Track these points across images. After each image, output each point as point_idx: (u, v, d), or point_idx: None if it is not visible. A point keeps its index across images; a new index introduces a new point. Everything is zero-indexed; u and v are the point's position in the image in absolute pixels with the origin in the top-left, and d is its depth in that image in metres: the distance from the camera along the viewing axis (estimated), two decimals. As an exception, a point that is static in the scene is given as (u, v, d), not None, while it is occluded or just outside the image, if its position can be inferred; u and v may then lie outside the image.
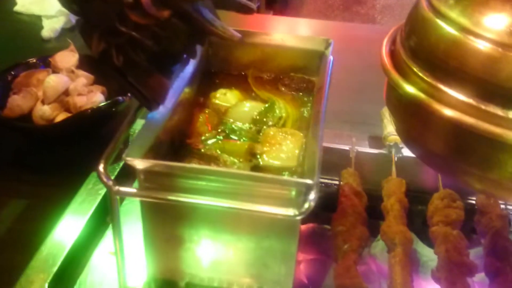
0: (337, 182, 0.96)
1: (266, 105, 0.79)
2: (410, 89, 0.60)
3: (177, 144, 0.72)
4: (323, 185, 1.03)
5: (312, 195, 0.58)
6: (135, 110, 0.68)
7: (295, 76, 0.87)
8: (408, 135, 0.67)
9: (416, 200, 0.93)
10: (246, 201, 0.58)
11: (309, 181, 0.57)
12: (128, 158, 0.58)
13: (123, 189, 0.60)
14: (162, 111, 0.68)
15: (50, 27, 1.49)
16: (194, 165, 0.59)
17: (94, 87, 1.07)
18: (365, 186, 0.94)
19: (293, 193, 0.59)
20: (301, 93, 0.85)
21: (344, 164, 0.97)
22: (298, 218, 0.58)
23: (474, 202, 0.93)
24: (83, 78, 1.08)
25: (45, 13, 1.54)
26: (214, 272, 0.70)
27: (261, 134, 0.75)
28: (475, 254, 0.89)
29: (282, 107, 0.80)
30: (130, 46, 0.63)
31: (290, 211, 0.57)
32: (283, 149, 0.72)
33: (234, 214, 0.63)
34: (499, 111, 0.53)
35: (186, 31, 0.63)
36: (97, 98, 1.02)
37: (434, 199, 0.86)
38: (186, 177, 0.60)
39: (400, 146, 0.99)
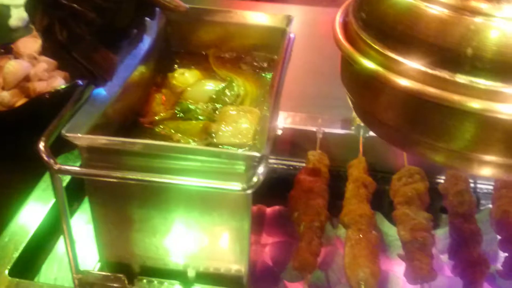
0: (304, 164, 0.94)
1: (224, 84, 0.77)
2: (362, 60, 0.57)
3: (129, 124, 0.70)
4: (291, 167, 1.02)
5: (261, 169, 0.56)
6: (82, 88, 0.66)
7: (257, 55, 0.85)
8: (363, 109, 0.65)
9: (383, 180, 0.92)
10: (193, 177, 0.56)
11: (256, 154, 0.55)
12: (68, 134, 0.56)
13: (65, 167, 0.57)
14: (111, 88, 0.65)
15: (18, 16, 1.46)
16: (136, 140, 0.57)
17: (56, 73, 1.04)
18: (332, 167, 0.92)
19: (242, 167, 0.57)
20: (263, 72, 0.83)
21: (312, 146, 0.95)
22: (248, 192, 0.56)
23: (443, 181, 0.92)
24: (45, 63, 1.05)
25: (13, 2, 1.51)
26: (168, 254, 0.67)
27: (217, 112, 0.73)
28: (444, 234, 0.88)
29: (241, 85, 0.77)
30: (73, 19, 0.60)
31: (238, 186, 0.55)
32: (239, 127, 0.70)
33: (183, 191, 0.60)
34: (450, 76, 0.51)
35: (130, 2, 0.60)
36: (57, 83, 0.99)
37: (395, 179, 0.85)
38: (129, 153, 0.58)
39: (368, 126, 0.97)
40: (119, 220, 0.64)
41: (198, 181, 0.56)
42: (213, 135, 0.69)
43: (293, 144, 1.00)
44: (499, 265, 0.86)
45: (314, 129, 0.97)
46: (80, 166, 0.60)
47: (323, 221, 0.78)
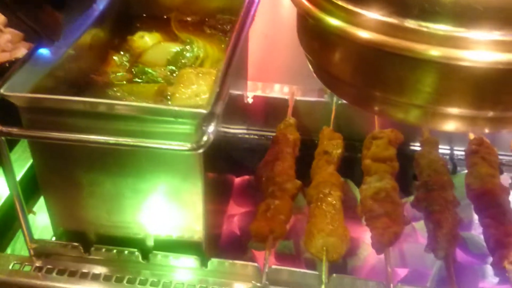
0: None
1: (183, 46, 0.74)
2: (320, 15, 0.54)
3: (82, 85, 0.67)
4: (263, 137, 0.99)
5: (211, 128, 0.53)
6: (31, 49, 0.63)
7: (221, 18, 0.82)
8: (323, 68, 0.62)
9: (355, 147, 0.89)
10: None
11: (202, 111, 0.52)
12: (5, 93, 0.53)
13: (6, 129, 0.54)
14: (59, 48, 0.62)
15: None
16: (75, 98, 0.54)
17: (21, 44, 1.01)
18: (304, 136, 0.90)
19: (190, 126, 0.54)
20: (226, 35, 0.79)
21: (284, 115, 0.92)
22: (198, 151, 0.53)
23: (416, 148, 0.89)
24: (9, 35, 1.01)
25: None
26: (122, 221, 0.65)
27: (175, 75, 0.70)
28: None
29: (201, 47, 0.74)
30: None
31: (187, 145, 0.53)
32: (197, 88, 0.67)
33: (131, 154, 0.58)
34: (409, 24, 0.48)
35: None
36: (20, 53, 0.96)
37: (365, 144, 0.82)
38: (72, 113, 0.55)
39: (342, 94, 0.94)
40: (67, 185, 0.62)
41: (144, 142, 0.53)
42: (169, 97, 0.66)
43: (265, 113, 0.97)
44: (474, 232, 0.85)
45: (286, 97, 0.95)
46: (20, 128, 0.57)
47: (290, 189, 0.75)
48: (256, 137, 0.99)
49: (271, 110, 0.96)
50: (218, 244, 0.79)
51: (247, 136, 0.99)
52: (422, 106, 0.52)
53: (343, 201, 0.89)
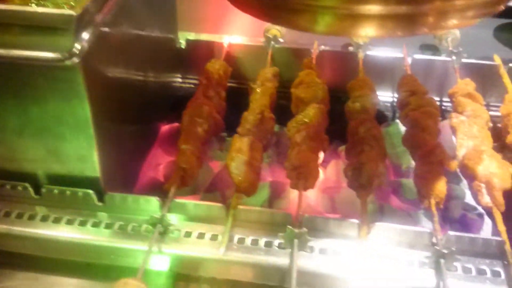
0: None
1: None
2: None
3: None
4: (192, 86, 0.94)
5: (86, 34, 0.48)
6: None
7: None
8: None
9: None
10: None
11: (72, 13, 0.47)
12: None
13: None
14: None
15: None
16: None
17: None
18: (235, 79, 0.85)
19: (62, 33, 0.49)
20: None
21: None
22: (72, 61, 0.48)
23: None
24: None
25: None
26: (13, 152, 0.60)
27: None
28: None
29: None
30: None
31: (58, 54, 0.48)
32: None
33: (9, 72, 0.52)
34: None
35: None
36: None
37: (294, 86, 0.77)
38: None
39: (280, 39, 0.89)
40: None
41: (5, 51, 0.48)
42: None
43: (200, 59, 0.91)
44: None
45: (221, 41, 0.89)
46: None
47: (208, 130, 0.70)
48: (192, 86, 0.94)
49: (204, 55, 0.90)
50: (133, 188, 0.74)
51: (181, 84, 0.94)
52: (334, 8, 0.47)
53: (277, 146, 0.86)
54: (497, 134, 0.77)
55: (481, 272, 0.55)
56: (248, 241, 0.58)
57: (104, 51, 0.55)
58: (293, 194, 0.77)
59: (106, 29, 0.54)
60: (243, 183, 0.60)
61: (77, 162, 0.60)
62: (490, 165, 0.60)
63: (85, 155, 0.59)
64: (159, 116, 0.86)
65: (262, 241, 0.58)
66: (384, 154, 0.68)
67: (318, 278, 0.56)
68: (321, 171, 0.81)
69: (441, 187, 0.59)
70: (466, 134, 0.67)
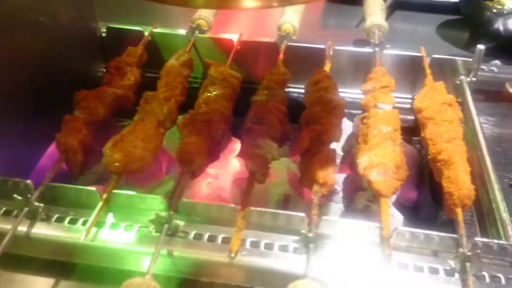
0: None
1: None
2: None
3: None
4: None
5: None
6: None
7: None
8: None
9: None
10: None
11: None
12: None
13: None
14: None
15: None
16: None
17: None
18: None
19: None
20: None
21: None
22: None
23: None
24: None
25: None
26: None
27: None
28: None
29: None
30: None
31: None
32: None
33: None
34: None
35: None
36: None
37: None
38: None
39: (204, 28, 0.87)
40: None
41: None
42: None
43: (122, 48, 0.89)
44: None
45: (141, 29, 0.87)
46: None
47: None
48: (115, 75, 0.92)
49: (128, 46, 0.88)
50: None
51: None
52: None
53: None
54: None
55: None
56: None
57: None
58: (198, 185, 0.74)
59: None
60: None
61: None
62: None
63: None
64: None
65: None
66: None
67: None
68: (237, 161, 0.81)
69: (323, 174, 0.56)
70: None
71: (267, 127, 0.63)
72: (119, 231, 0.54)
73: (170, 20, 1.00)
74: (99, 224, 0.55)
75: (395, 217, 0.69)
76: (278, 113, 0.65)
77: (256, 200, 0.75)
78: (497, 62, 0.98)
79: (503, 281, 0.50)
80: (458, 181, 0.53)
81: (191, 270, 0.53)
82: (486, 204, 0.61)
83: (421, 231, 0.51)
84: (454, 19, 1.15)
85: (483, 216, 0.62)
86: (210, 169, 0.81)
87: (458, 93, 0.80)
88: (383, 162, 0.55)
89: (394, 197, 0.75)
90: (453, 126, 0.61)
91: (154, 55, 0.87)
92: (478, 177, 0.64)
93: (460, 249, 0.49)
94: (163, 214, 0.52)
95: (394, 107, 0.69)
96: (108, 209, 0.56)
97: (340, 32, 0.85)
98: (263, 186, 0.72)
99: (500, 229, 0.56)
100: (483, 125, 0.74)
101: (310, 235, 0.50)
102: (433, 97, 0.68)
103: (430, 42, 1.09)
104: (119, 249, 0.53)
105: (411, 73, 0.83)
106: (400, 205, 0.76)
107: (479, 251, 0.47)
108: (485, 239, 0.51)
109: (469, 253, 0.47)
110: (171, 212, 0.52)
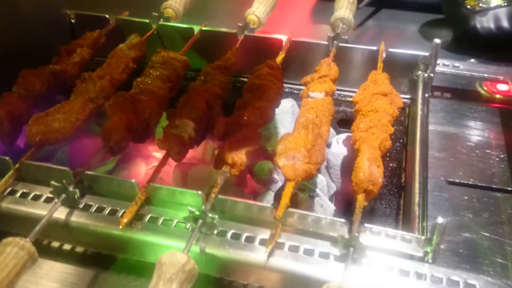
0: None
1: None
2: None
3: None
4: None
5: None
6: None
7: None
8: None
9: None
10: None
11: None
12: None
13: None
14: None
15: None
16: None
17: None
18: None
19: None
20: None
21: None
22: None
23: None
24: None
25: None
26: None
27: None
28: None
29: None
30: None
31: None
32: None
33: None
34: None
35: None
36: None
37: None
38: None
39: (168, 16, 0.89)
40: None
41: None
42: None
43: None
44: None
45: (106, 15, 0.89)
46: None
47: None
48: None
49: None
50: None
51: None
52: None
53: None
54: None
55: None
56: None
57: None
58: (137, 166, 0.75)
59: None
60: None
61: None
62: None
63: None
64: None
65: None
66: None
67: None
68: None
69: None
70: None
71: (190, 109, 0.63)
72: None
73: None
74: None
75: (326, 208, 0.68)
76: (207, 95, 0.65)
77: (196, 183, 0.76)
78: (472, 60, 0.95)
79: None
80: (356, 168, 0.52)
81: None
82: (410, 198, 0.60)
83: (312, 214, 0.50)
84: (438, 18, 1.13)
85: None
86: (157, 153, 0.83)
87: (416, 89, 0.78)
88: (291, 147, 0.54)
89: (334, 189, 0.74)
90: (376, 115, 0.59)
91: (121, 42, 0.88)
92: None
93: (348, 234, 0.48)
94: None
95: (340, 100, 0.68)
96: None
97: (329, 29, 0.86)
98: (206, 170, 0.72)
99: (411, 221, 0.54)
100: (437, 121, 0.73)
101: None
102: (369, 90, 0.66)
103: (412, 40, 1.07)
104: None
105: (370, 67, 0.82)
106: (342, 198, 0.75)
107: (356, 234, 0.46)
108: (375, 226, 0.50)
109: (348, 236, 0.46)
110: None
